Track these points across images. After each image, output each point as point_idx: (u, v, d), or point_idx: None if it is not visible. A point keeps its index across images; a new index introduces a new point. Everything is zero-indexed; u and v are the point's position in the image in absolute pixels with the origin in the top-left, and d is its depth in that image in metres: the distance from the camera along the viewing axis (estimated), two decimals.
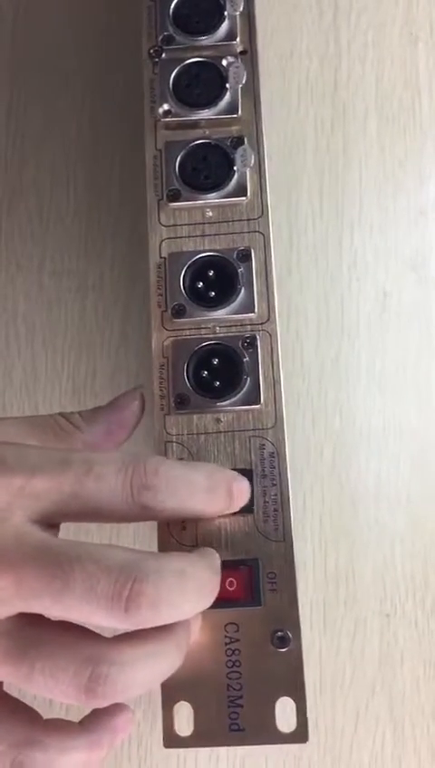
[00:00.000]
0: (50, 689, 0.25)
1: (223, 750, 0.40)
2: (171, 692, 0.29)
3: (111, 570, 0.25)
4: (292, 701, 0.29)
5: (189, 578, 0.26)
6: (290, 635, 0.30)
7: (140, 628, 0.25)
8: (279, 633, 0.30)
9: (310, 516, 0.42)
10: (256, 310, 0.33)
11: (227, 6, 0.35)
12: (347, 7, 0.49)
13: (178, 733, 0.29)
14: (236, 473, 0.31)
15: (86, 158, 0.47)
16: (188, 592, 0.26)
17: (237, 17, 0.35)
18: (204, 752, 0.40)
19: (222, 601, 0.29)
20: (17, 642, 0.26)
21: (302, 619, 0.31)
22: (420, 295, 0.45)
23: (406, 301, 0.45)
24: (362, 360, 0.44)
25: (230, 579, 0.30)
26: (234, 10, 0.34)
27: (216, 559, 0.29)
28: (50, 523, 0.27)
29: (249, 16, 0.35)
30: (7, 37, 0.48)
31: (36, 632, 0.26)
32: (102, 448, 0.31)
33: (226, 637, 0.30)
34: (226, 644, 0.30)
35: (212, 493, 0.29)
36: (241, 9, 0.35)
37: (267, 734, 0.29)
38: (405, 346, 0.44)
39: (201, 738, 0.29)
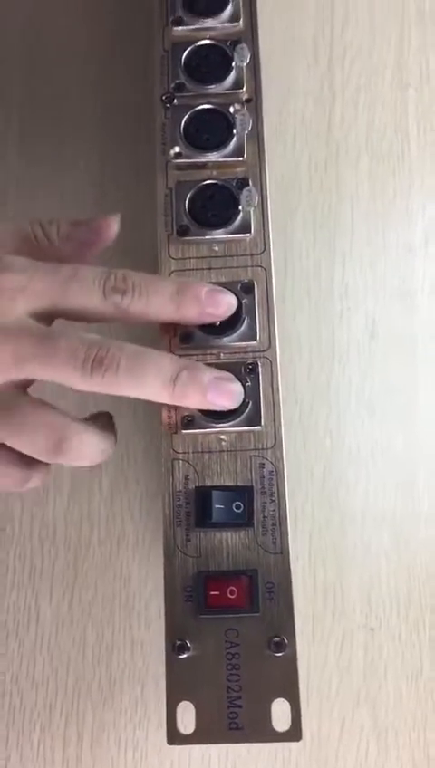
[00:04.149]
0: (23, 446, 0.32)
1: (214, 757, 0.41)
2: (175, 692, 0.31)
3: (89, 342, 0.31)
4: (287, 702, 0.31)
5: (149, 359, 0.32)
6: (286, 641, 0.32)
7: (107, 390, 0.31)
8: (276, 639, 0.32)
9: (300, 533, 0.44)
10: (257, 338, 0.35)
11: (235, 58, 0.37)
12: (341, 53, 0.51)
13: (181, 730, 0.31)
14: (213, 285, 0.34)
15: (95, 190, 0.48)
16: (147, 373, 0.31)
17: (244, 68, 0.37)
18: (196, 758, 0.41)
19: (224, 608, 0.31)
20: (3, 404, 0.32)
21: None
22: (406, 324, 0.47)
23: (393, 329, 0.47)
24: (352, 385, 0.46)
25: (231, 588, 0.32)
26: (241, 61, 0.37)
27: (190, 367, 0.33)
28: (44, 318, 0.33)
29: (254, 68, 0.37)
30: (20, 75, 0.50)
31: (20, 399, 0.32)
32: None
33: (226, 641, 0.32)
34: (226, 648, 0.32)
35: (180, 296, 0.33)
36: (247, 61, 0.37)
37: (264, 732, 0.31)
38: (392, 372, 0.46)
39: (202, 736, 0.31)
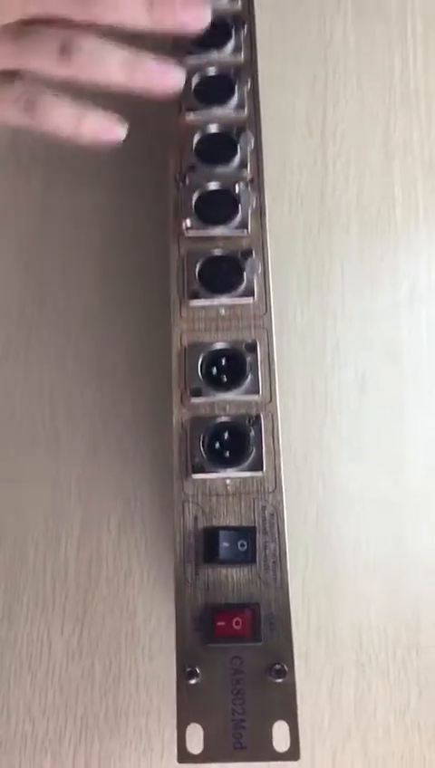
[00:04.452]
0: (37, 59, 0.36)
1: None
2: (185, 715, 0.34)
3: None
4: (286, 724, 0.34)
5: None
6: (286, 668, 0.34)
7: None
8: (277, 666, 0.34)
9: (294, 572, 0.44)
10: (260, 392, 0.38)
11: (240, 142, 0.41)
12: (332, 128, 0.54)
13: (190, 750, 0.34)
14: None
15: (105, 261, 0.52)
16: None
17: (248, 152, 0.41)
18: None
19: (229, 638, 0.34)
20: (16, 32, 0.37)
21: None
22: (393, 379, 0.49)
23: (381, 383, 0.49)
24: (344, 435, 0.48)
25: (236, 619, 0.35)
26: (246, 145, 0.41)
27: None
28: None
29: (257, 152, 0.42)
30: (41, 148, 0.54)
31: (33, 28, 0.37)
32: None
33: (231, 668, 0.35)
34: (231, 674, 0.35)
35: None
36: (251, 146, 0.41)
37: (266, 752, 0.33)
38: (381, 423, 0.48)
39: (209, 755, 0.33)
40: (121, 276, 0.51)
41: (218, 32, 0.43)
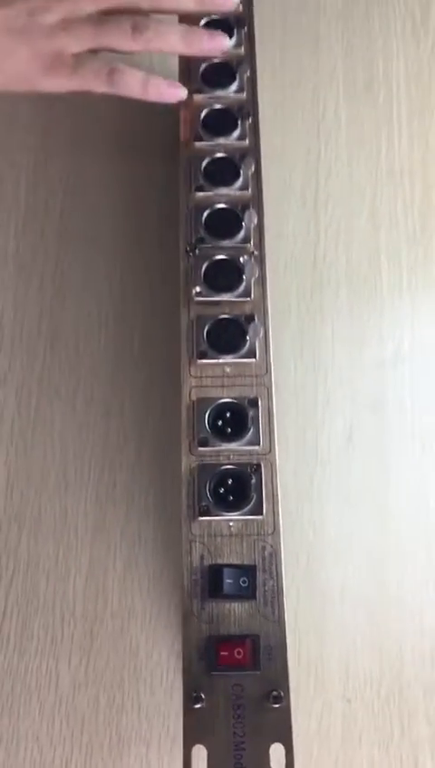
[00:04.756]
0: (115, 38, 0.47)
1: None
2: (190, 736, 0.37)
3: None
4: (282, 746, 0.37)
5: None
6: (282, 694, 0.38)
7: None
8: (274, 693, 0.38)
9: (287, 611, 0.48)
10: (260, 444, 0.42)
11: (245, 219, 0.46)
12: (324, 200, 0.59)
13: None
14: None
15: (115, 311, 0.55)
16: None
17: (251, 228, 0.46)
18: None
19: (231, 666, 0.38)
20: (97, 20, 0.47)
21: None
22: (377, 431, 0.53)
23: (367, 435, 0.53)
24: (332, 482, 0.52)
25: (237, 649, 0.38)
26: (250, 222, 0.46)
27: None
28: None
29: (260, 227, 0.46)
30: (56, 212, 0.58)
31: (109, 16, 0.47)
32: None
33: (233, 695, 0.38)
34: (233, 700, 0.38)
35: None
36: (255, 222, 0.46)
37: None
38: (367, 472, 0.52)
39: None
40: (130, 326, 0.55)
41: (227, 120, 0.48)
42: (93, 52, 0.48)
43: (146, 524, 0.51)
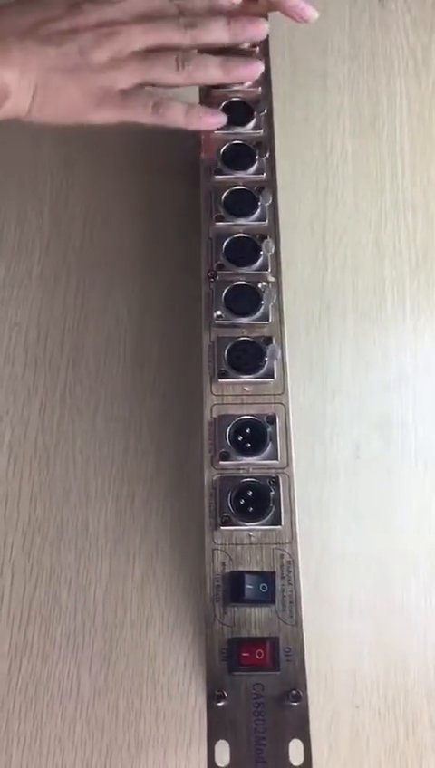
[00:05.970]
0: (159, 72, 0.49)
1: None
2: (214, 732, 0.39)
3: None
4: (301, 742, 0.39)
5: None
6: (300, 693, 0.40)
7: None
8: (293, 692, 0.40)
9: None
10: (278, 458, 0.45)
11: (263, 248, 0.49)
12: (332, 228, 0.62)
13: (218, 764, 0.38)
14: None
15: (134, 332, 0.58)
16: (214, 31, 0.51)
17: (269, 256, 0.49)
18: None
19: (252, 667, 0.40)
20: (143, 56, 0.50)
21: None
22: (383, 449, 0.55)
23: (373, 453, 0.55)
24: (341, 498, 0.54)
25: (258, 650, 0.40)
26: (267, 251, 0.49)
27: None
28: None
29: (277, 256, 0.49)
30: (78, 240, 0.61)
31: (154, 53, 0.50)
32: None
33: (254, 693, 0.40)
34: (254, 698, 0.40)
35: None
36: (272, 251, 0.49)
37: (283, 766, 0.38)
38: (373, 488, 0.54)
39: None
40: (148, 347, 0.58)
41: (245, 155, 0.51)
42: (139, 85, 0.50)
43: (163, 536, 0.52)
